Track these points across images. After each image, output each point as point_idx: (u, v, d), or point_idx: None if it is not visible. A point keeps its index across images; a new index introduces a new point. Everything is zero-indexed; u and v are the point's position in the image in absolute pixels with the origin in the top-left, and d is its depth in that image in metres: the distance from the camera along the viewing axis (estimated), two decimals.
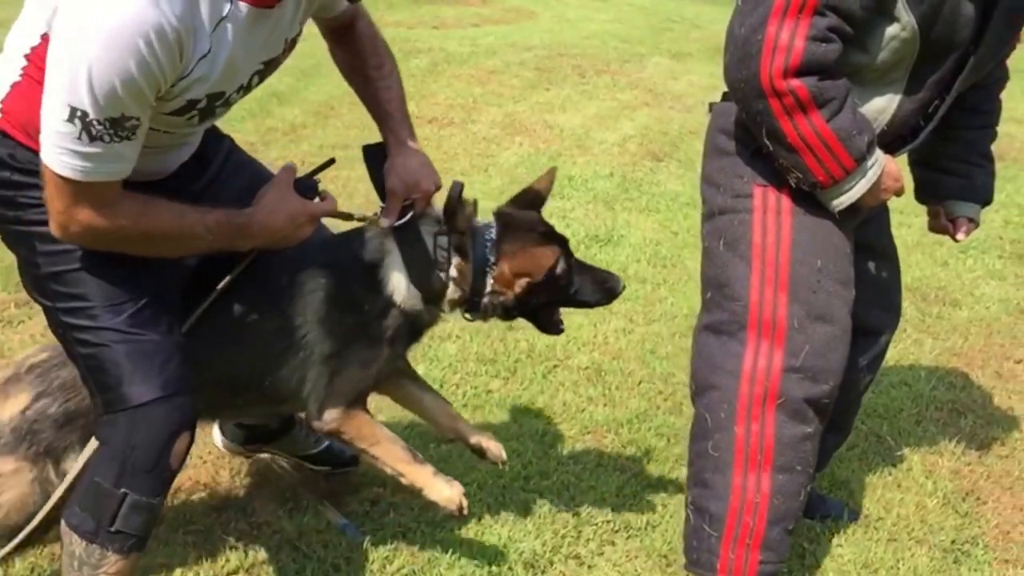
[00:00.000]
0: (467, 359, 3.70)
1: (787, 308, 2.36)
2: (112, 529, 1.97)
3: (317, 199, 2.20)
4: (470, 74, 8.62)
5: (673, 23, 12.55)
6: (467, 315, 2.36)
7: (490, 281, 2.29)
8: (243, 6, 1.82)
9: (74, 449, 2.15)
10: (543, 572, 2.70)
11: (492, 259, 2.28)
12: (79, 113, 1.67)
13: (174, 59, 1.71)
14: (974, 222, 2.74)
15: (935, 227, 2.81)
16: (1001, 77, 2.63)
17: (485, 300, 2.31)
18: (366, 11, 2.36)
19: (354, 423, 2.26)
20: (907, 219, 2.88)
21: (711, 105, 2.61)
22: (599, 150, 6.87)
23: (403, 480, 2.33)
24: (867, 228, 2.57)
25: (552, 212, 5.52)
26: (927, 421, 3.67)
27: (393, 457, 2.30)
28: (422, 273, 2.26)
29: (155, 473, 1.99)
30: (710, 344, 2.48)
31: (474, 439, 2.53)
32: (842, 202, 2.31)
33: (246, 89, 2.01)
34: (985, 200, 2.74)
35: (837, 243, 2.41)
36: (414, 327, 2.34)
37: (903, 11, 2.19)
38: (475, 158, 6.33)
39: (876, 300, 2.69)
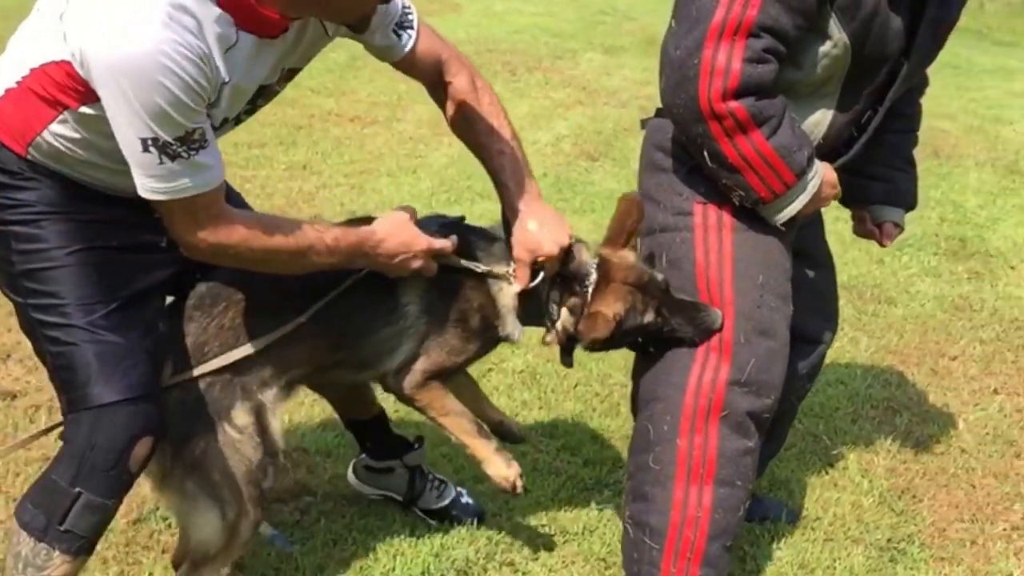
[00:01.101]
0: None
1: (733, 323, 2.36)
2: (62, 528, 1.98)
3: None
4: (394, 70, 8.43)
5: (605, 15, 12.48)
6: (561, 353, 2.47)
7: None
8: (249, 36, 1.89)
9: (234, 406, 2.21)
10: None
11: (580, 309, 2.34)
12: (149, 140, 1.78)
13: (204, 72, 1.81)
14: (899, 227, 2.79)
15: (860, 231, 2.85)
16: (922, 83, 2.68)
17: (566, 339, 2.41)
18: (467, 67, 2.34)
19: (430, 393, 2.38)
20: (844, 214, 2.89)
21: (643, 122, 2.62)
22: (532, 150, 6.77)
23: (467, 450, 2.45)
24: (802, 234, 2.59)
25: (482, 214, 5.45)
26: (863, 419, 3.67)
27: (460, 428, 2.42)
28: (529, 317, 2.38)
29: (113, 474, 2.00)
30: (655, 358, 2.46)
31: (498, 418, 2.64)
32: (784, 215, 2.33)
33: (236, 119, 2.09)
34: (909, 205, 2.79)
35: (777, 259, 2.43)
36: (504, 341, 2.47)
37: (835, 29, 2.22)
38: (402, 159, 6.21)
39: (814, 308, 2.71)
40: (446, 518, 2.84)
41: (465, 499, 2.87)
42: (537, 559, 2.74)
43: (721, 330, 2.35)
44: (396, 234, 2.15)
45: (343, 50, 8.34)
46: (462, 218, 2.42)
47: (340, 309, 2.26)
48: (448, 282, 2.30)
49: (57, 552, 1.99)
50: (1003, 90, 10.49)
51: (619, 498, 2.95)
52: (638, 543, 2.43)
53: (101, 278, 2.03)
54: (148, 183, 1.84)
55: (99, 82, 1.77)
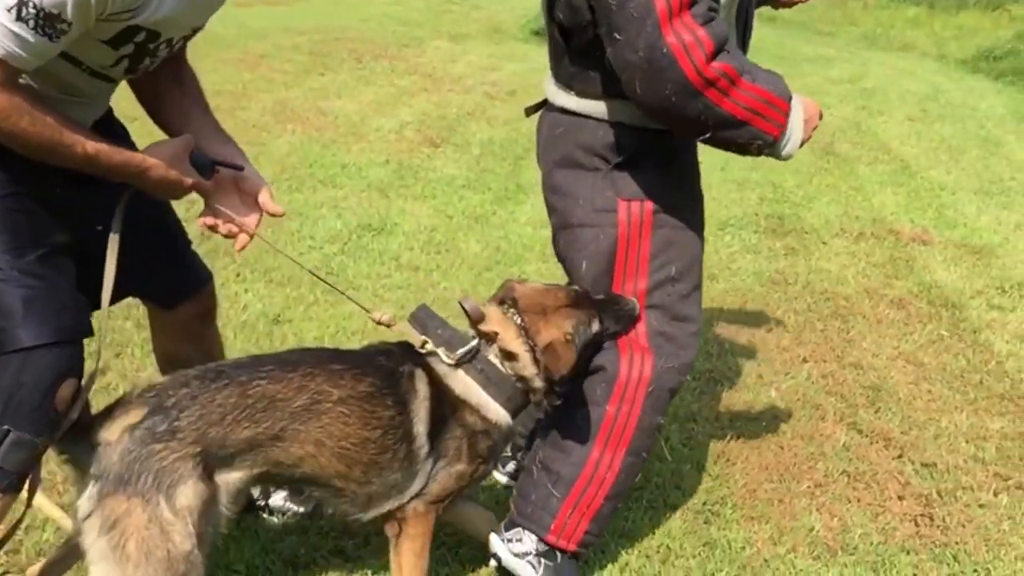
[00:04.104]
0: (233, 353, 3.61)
1: (647, 313, 2.54)
2: None
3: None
4: (238, 58, 8.36)
5: (453, 4, 12.60)
6: (549, 399, 2.45)
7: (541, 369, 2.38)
8: None
9: (184, 481, 2.04)
10: (304, 568, 2.67)
11: (535, 351, 2.35)
12: None
13: None
14: None
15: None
16: None
17: (547, 385, 2.39)
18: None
19: (422, 526, 2.37)
20: None
21: (528, 111, 2.76)
22: (375, 137, 6.84)
23: None
24: None
25: (323, 202, 5.47)
26: (686, 391, 3.85)
27: None
28: (501, 392, 2.36)
29: (39, 412, 2.03)
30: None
31: None
32: (792, 148, 2.41)
33: (169, 47, 2.18)
34: None
35: (692, 251, 2.60)
36: (507, 439, 2.48)
37: None
38: (244, 146, 5.89)
39: None
40: (285, 513, 2.86)
41: None
42: (368, 545, 2.77)
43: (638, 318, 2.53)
44: (165, 167, 2.19)
45: None
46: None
47: (346, 436, 2.22)
48: (441, 414, 2.32)
49: None
50: (822, 77, 11.08)
51: None
52: (540, 487, 2.59)
53: (30, 224, 2.08)
54: None
55: None
